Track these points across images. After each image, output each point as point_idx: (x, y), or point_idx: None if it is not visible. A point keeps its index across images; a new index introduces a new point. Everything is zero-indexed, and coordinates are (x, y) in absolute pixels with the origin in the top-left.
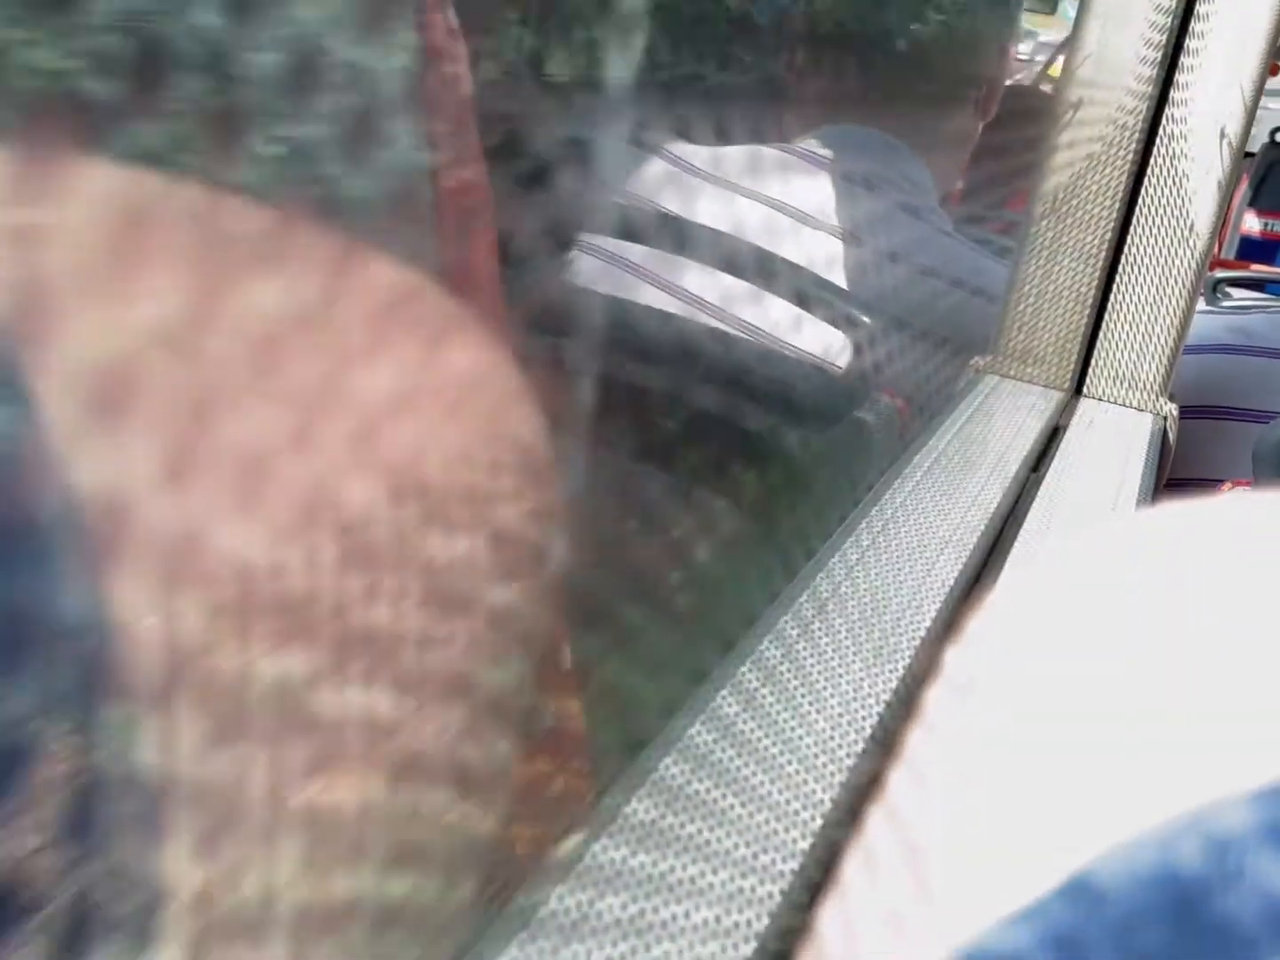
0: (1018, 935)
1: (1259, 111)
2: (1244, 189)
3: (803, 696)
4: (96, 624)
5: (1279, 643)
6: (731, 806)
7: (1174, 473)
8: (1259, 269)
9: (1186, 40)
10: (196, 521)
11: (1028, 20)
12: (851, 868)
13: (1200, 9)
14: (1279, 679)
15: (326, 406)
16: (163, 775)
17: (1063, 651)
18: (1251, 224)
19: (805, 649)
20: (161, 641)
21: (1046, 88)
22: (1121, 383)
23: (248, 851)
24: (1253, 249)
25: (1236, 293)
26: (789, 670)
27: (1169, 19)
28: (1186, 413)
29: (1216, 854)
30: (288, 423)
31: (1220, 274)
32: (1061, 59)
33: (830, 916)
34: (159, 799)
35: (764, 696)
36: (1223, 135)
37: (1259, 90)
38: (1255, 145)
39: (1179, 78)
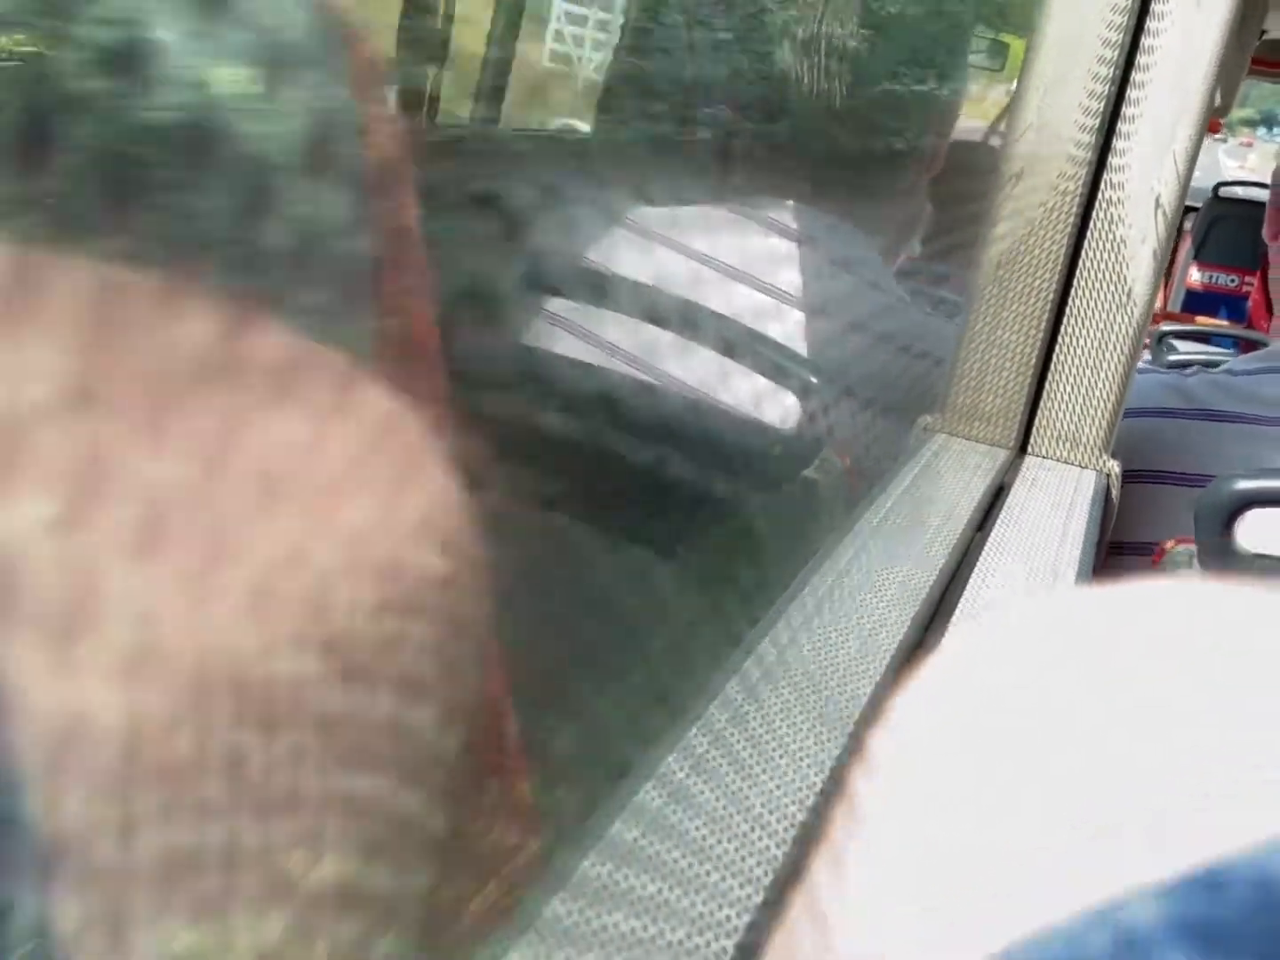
0: None
1: (1205, 163)
2: (1189, 243)
3: (750, 758)
4: None
5: (1192, 740)
6: (683, 866)
7: (1115, 535)
8: (1204, 321)
9: (1123, 108)
10: (88, 590)
11: (976, 78)
12: (773, 950)
13: (1135, 77)
14: (1190, 773)
15: (236, 482)
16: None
17: (979, 738)
18: (1195, 277)
19: (752, 711)
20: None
21: (994, 145)
22: (1064, 441)
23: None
24: (1197, 302)
25: (1182, 345)
26: (737, 733)
27: (1106, 87)
28: (1128, 476)
29: (1125, 947)
30: (191, 497)
31: (1165, 327)
32: (1002, 124)
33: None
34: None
35: (713, 759)
36: (1158, 204)
37: (1192, 159)
38: (1199, 199)
39: (1116, 143)
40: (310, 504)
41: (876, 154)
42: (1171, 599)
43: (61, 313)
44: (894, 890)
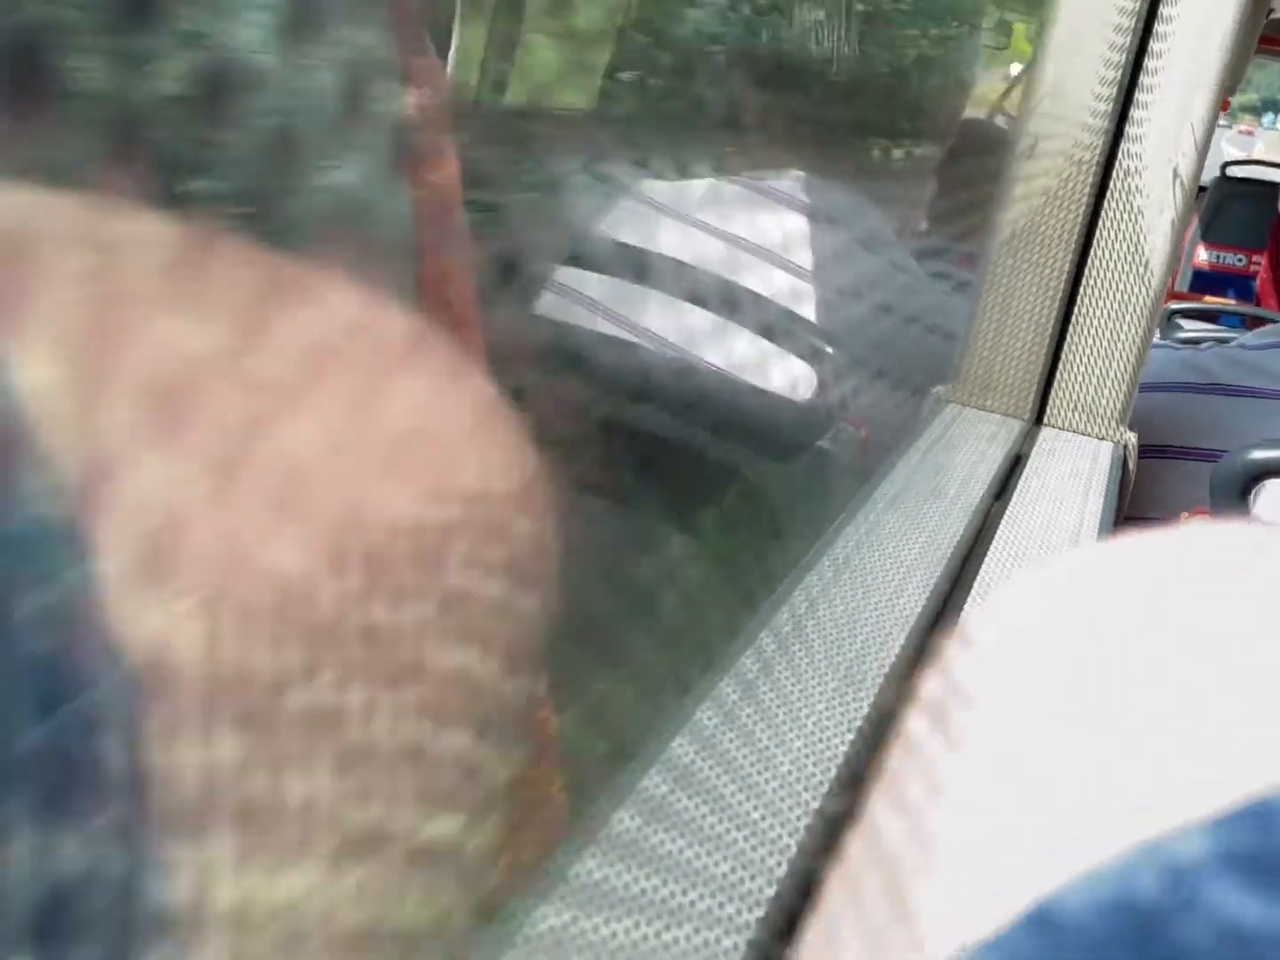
0: None
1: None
2: (1196, 223)
3: (773, 729)
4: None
5: (1236, 674)
6: (711, 825)
7: (1130, 510)
8: (1211, 301)
9: (1141, 77)
10: (177, 559)
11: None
12: (832, 891)
13: (1153, 46)
14: (1236, 709)
15: (289, 442)
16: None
17: (1037, 678)
18: (1203, 257)
19: (771, 681)
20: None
21: (1003, 121)
22: (1081, 412)
23: (238, 871)
24: (1204, 281)
25: (1189, 324)
26: (753, 706)
27: (1123, 56)
28: (1142, 451)
29: (1172, 882)
30: (247, 454)
31: (1174, 305)
32: (1017, 92)
33: (811, 940)
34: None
35: (738, 719)
36: (1175, 174)
37: (1210, 131)
38: (1207, 179)
39: (1134, 113)
40: (421, 466)
41: (891, 127)
42: (1229, 540)
43: (216, 288)
44: (947, 824)
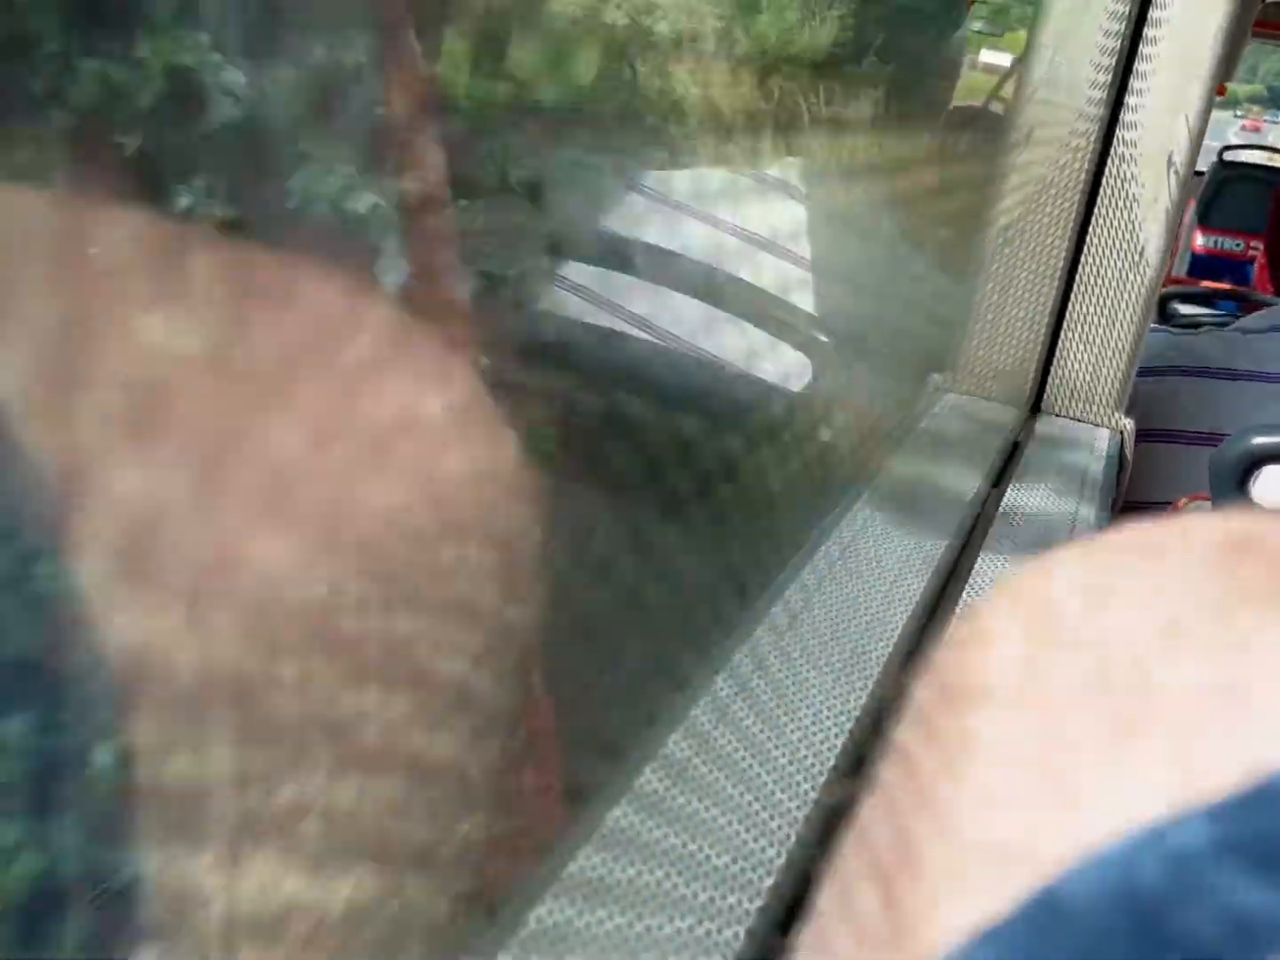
0: (983, 955)
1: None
2: (1193, 208)
3: (769, 722)
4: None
5: (1234, 662)
6: (708, 819)
7: (1129, 496)
8: (1208, 285)
9: (1135, 65)
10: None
11: (976, 44)
12: (825, 887)
13: (1148, 33)
14: (1238, 695)
15: (278, 440)
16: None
17: (1037, 670)
18: (1200, 242)
19: (768, 674)
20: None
21: (997, 110)
22: (1078, 399)
23: (232, 864)
24: (1202, 265)
25: (1185, 308)
26: (750, 701)
27: (1118, 43)
28: (1139, 436)
29: (1175, 869)
30: (236, 453)
31: (1170, 289)
32: (1011, 83)
33: (805, 934)
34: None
35: (734, 713)
36: (1170, 162)
37: (1204, 120)
38: (1205, 164)
39: (1129, 101)
40: (407, 461)
41: (886, 111)
42: (1226, 529)
43: (197, 283)
44: (947, 811)
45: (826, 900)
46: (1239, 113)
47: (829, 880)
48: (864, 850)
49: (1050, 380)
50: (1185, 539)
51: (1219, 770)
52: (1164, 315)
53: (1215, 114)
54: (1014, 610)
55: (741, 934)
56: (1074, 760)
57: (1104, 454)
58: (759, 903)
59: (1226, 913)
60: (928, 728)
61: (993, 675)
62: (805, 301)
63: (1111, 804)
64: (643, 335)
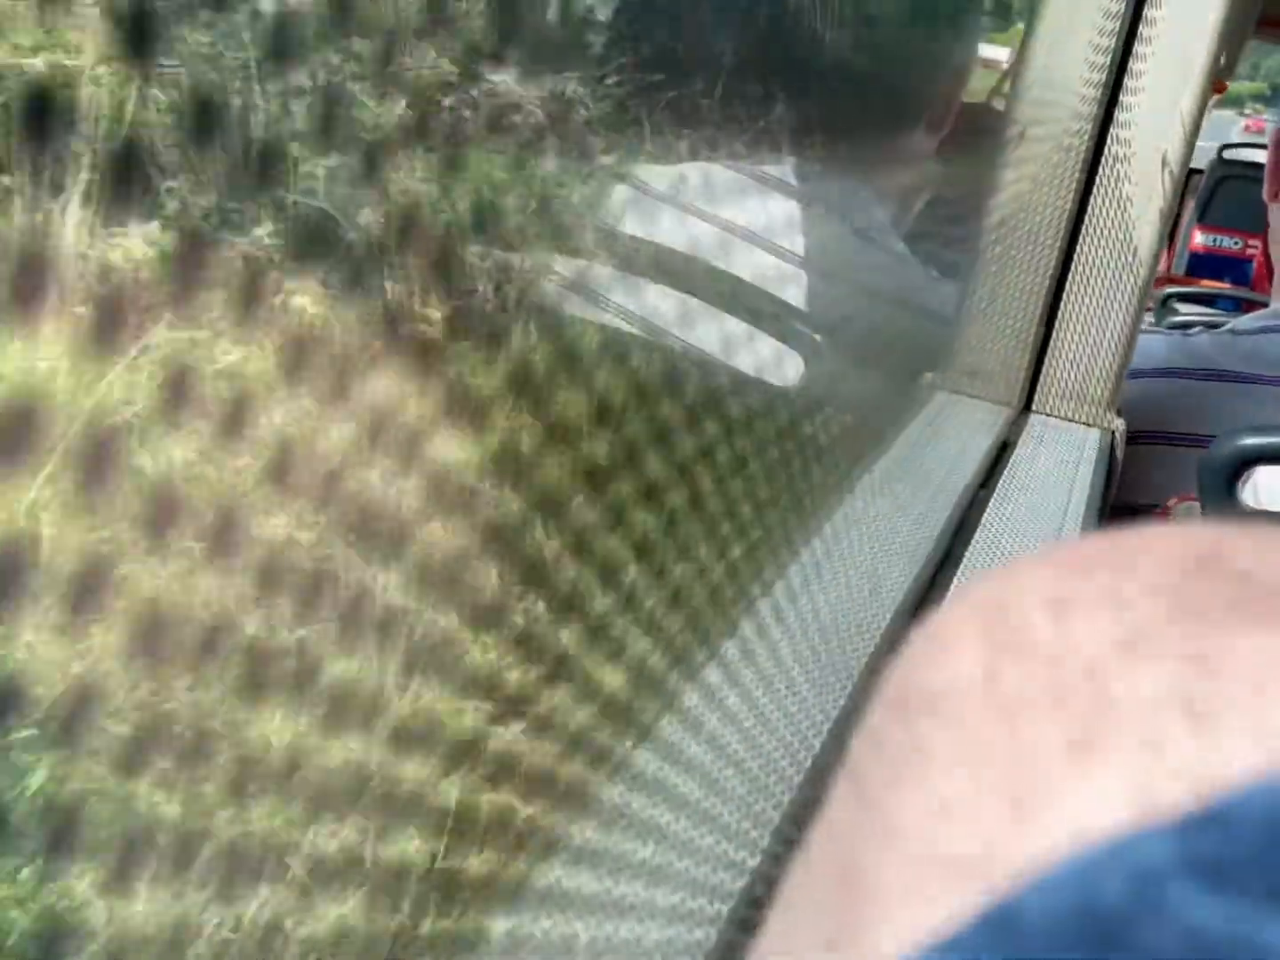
0: None
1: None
2: (1192, 206)
3: (749, 717)
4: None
5: (1205, 672)
6: (681, 829)
7: (1119, 497)
8: (1207, 284)
9: (1130, 63)
10: (100, 557)
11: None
12: (791, 886)
13: (1143, 31)
14: (1197, 709)
15: (253, 436)
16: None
17: (995, 677)
18: (1199, 240)
19: (752, 668)
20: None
21: (994, 107)
22: (1069, 399)
23: (194, 872)
24: (1200, 265)
25: (1184, 308)
26: (735, 691)
27: (1112, 42)
28: (1130, 437)
29: (1137, 886)
30: (209, 452)
31: (1170, 290)
32: (1006, 80)
33: (761, 941)
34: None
35: (710, 719)
36: (1164, 163)
37: (1198, 120)
38: (1204, 162)
39: (1124, 99)
40: (346, 458)
41: (887, 113)
42: (1207, 538)
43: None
44: (911, 817)
45: (780, 908)
46: (1246, 111)
47: (783, 887)
48: (816, 860)
49: (1041, 380)
50: (1148, 552)
51: (1177, 786)
52: (1162, 315)
53: (1218, 114)
54: (970, 618)
55: (713, 935)
56: (1029, 772)
57: (1094, 454)
58: (729, 905)
59: (1188, 932)
60: (880, 737)
61: (946, 684)
62: (796, 298)
63: (1067, 817)
64: (634, 330)
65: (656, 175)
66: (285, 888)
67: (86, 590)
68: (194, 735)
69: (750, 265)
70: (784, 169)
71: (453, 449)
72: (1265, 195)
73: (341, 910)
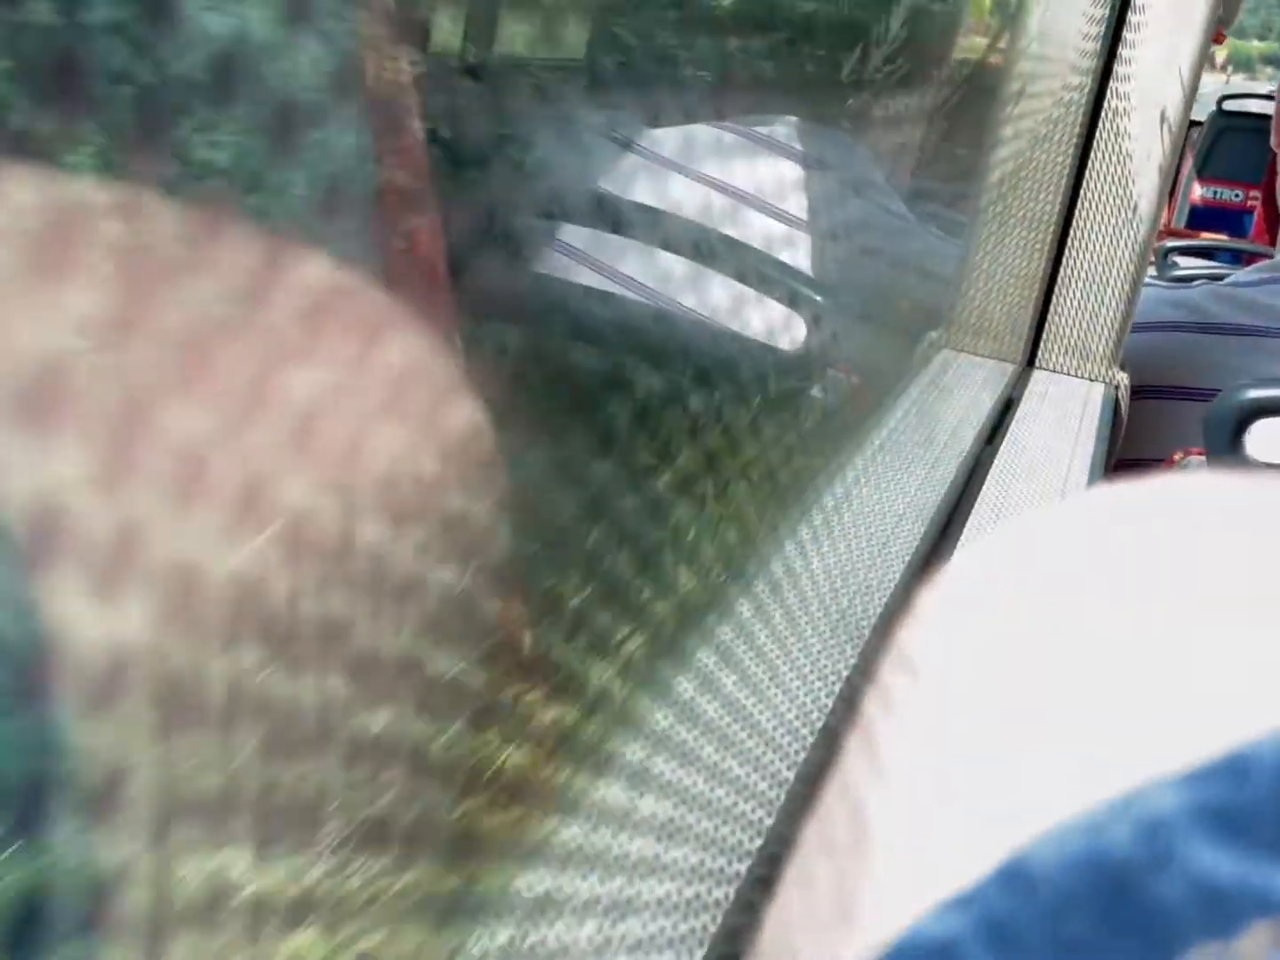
0: (951, 922)
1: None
2: (1191, 158)
3: (761, 676)
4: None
5: (1222, 625)
6: (693, 785)
7: (1124, 452)
8: (1208, 237)
9: (1129, 15)
10: (132, 526)
11: None
12: (807, 846)
13: None
14: (1218, 661)
15: (260, 409)
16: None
17: (1014, 631)
18: (1199, 193)
19: (762, 628)
20: (99, 646)
21: (992, 63)
22: (1073, 354)
23: (197, 848)
24: (1200, 217)
25: (1185, 261)
26: (746, 650)
27: None
28: (1134, 392)
29: (1146, 837)
30: (222, 425)
31: (1170, 243)
32: (1004, 37)
33: (784, 897)
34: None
35: (722, 678)
36: (1163, 117)
37: (1197, 74)
38: (1203, 114)
39: (1122, 52)
40: (343, 428)
41: (881, 69)
42: (1198, 494)
43: (93, 248)
44: (924, 777)
45: (795, 866)
46: (1269, 81)
47: (799, 846)
48: (829, 820)
49: (1044, 335)
50: (1162, 501)
51: (1172, 748)
52: (1163, 268)
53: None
54: (974, 578)
55: (730, 894)
56: (1028, 733)
57: (1098, 409)
58: (747, 864)
59: (1197, 881)
60: (886, 700)
61: (933, 649)
62: (797, 260)
63: (1066, 778)
64: (630, 294)
65: (652, 138)
66: (320, 849)
67: (120, 557)
68: (228, 701)
69: (749, 227)
70: (780, 129)
71: (459, 415)
72: (1273, 143)
73: (370, 871)
